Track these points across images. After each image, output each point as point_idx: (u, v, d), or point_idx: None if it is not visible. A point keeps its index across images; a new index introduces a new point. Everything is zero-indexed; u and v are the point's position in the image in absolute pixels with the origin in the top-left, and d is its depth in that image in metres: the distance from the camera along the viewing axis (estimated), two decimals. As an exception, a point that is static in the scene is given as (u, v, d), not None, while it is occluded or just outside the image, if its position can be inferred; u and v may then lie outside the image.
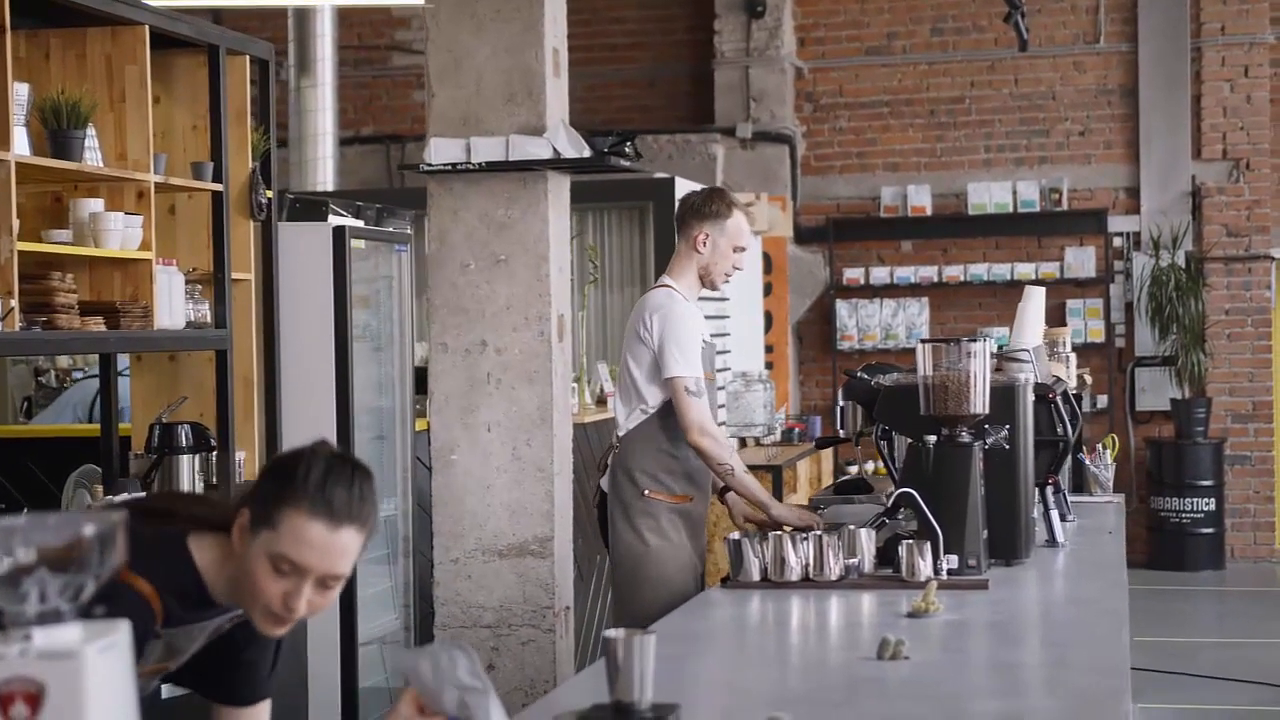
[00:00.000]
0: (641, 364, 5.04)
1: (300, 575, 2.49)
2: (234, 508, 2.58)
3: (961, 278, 12.39)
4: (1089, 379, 9.40)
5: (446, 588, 5.52)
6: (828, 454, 10.69)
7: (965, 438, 4.26)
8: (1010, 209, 12.35)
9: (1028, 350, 5.02)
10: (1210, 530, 11.91)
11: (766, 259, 12.03)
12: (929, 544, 4.08)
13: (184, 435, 5.31)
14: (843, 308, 12.56)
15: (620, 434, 5.17)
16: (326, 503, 2.48)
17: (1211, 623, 10.64)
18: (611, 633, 2.69)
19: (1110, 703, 2.79)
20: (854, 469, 10.39)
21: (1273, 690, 8.15)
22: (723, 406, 9.51)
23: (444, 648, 2.36)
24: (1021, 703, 2.94)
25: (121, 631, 1.74)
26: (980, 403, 4.25)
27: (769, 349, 12.00)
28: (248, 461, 5.75)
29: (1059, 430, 4.85)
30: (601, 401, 8.32)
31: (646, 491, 5.06)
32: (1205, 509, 11.87)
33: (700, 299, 8.24)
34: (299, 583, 2.50)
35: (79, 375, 7.98)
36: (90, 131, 4.81)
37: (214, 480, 5.50)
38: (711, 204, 5.15)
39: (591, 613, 7.44)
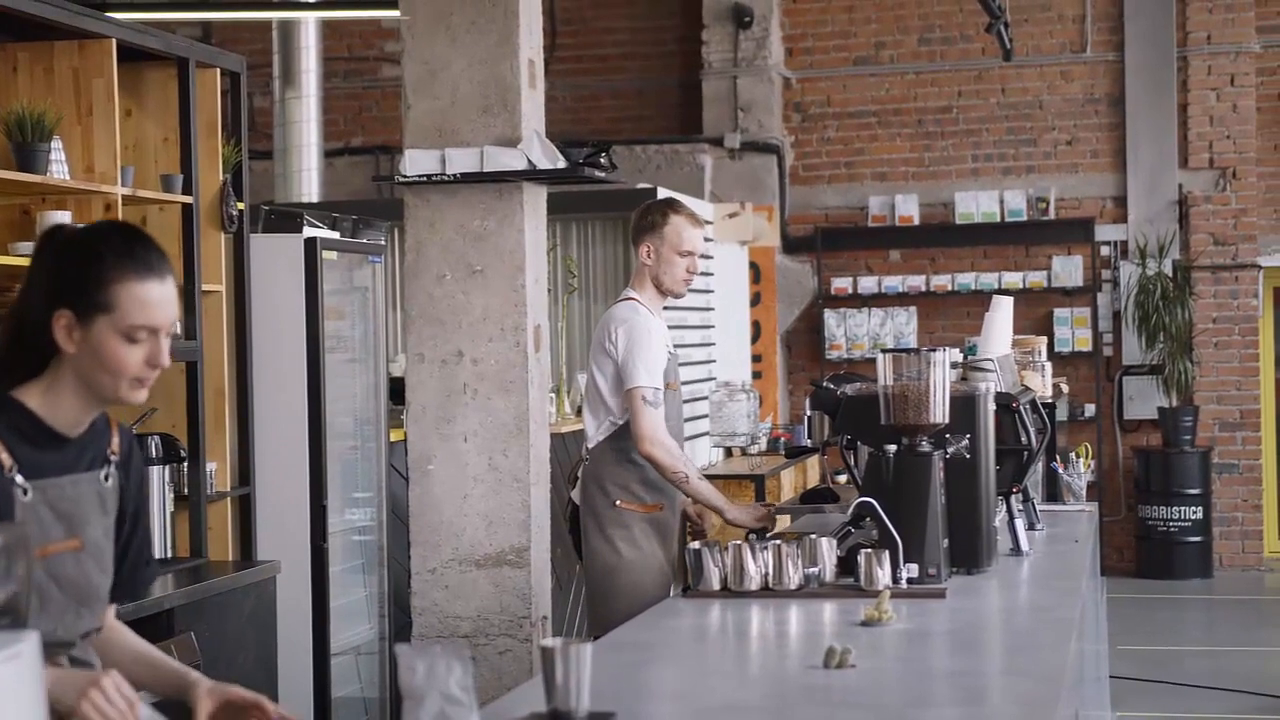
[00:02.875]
0: (607, 376, 5.15)
1: (154, 334, 2.65)
2: (39, 318, 2.64)
3: (949, 287, 12.41)
4: (1065, 388, 9.40)
5: (423, 597, 5.53)
6: (814, 463, 10.70)
7: (925, 447, 4.27)
8: (998, 218, 12.38)
9: (992, 359, 5.03)
10: (1198, 539, 11.91)
11: (755, 269, 12.05)
12: (888, 553, 4.10)
13: (154, 446, 5.32)
14: (831, 317, 12.57)
15: (590, 445, 5.23)
16: (146, 265, 2.65)
17: (1198, 631, 10.64)
18: (547, 642, 2.71)
19: (1045, 709, 2.80)
20: (843, 478, 10.39)
21: (1258, 699, 8.16)
22: (704, 417, 9.54)
23: (446, 653, 2.36)
24: (958, 710, 2.95)
25: (28, 642, 1.75)
26: (940, 412, 4.26)
27: (757, 358, 12.02)
28: (219, 473, 5.76)
29: (1023, 439, 4.86)
30: (580, 411, 8.34)
31: (618, 502, 5.12)
32: (1193, 517, 11.87)
33: (681, 308, 8.27)
34: (154, 342, 2.65)
35: None
36: (56, 144, 4.83)
37: (185, 491, 5.51)
38: (648, 216, 5.27)
39: (570, 622, 7.45)
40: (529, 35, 5.55)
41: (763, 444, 10.06)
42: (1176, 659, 9.25)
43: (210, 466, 5.67)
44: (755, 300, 12.05)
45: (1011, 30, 10.93)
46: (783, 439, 10.31)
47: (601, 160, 5.66)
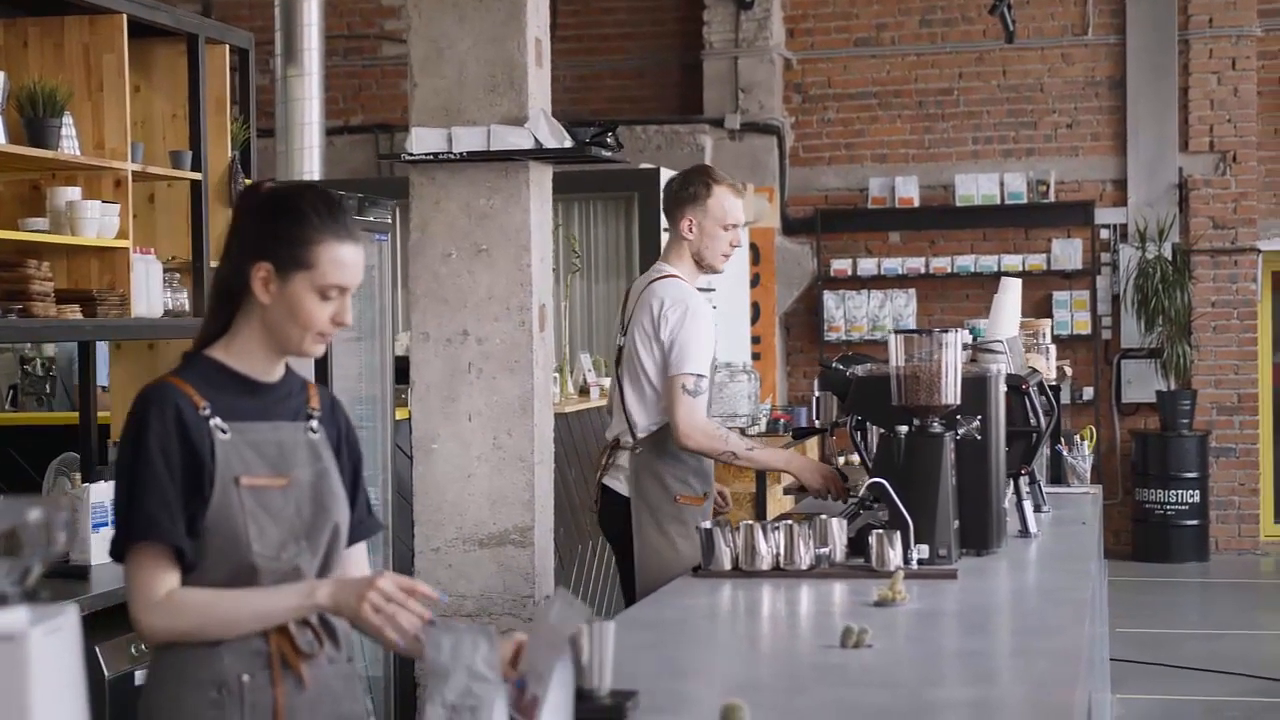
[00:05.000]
0: (655, 361, 4.93)
1: (343, 294, 2.79)
2: (238, 270, 2.77)
3: (949, 269, 12.42)
4: (1069, 371, 9.41)
5: (427, 576, 5.53)
6: (813, 445, 10.71)
7: (937, 428, 4.27)
8: (998, 201, 12.38)
9: (1002, 341, 5.03)
10: (1195, 522, 11.94)
11: (754, 250, 12.05)
12: (899, 534, 4.10)
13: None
14: (830, 299, 12.57)
15: (640, 435, 5.02)
16: (345, 228, 2.79)
17: (1195, 614, 10.67)
18: (570, 620, 2.70)
19: (1064, 689, 2.81)
20: (841, 460, 10.40)
21: (1254, 681, 8.19)
22: (706, 397, 9.53)
23: (471, 631, 2.37)
24: (977, 690, 2.96)
25: (69, 615, 1.76)
26: (952, 393, 4.26)
27: (756, 340, 12.02)
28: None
29: (1032, 421, 4.86)
30: (584, 391, 8.34)
31: (678, 497, 4.96)
32: (1190, 501, 11.90)
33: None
34: (342, 301, 2.80)
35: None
36: (67, 120, 4.82)
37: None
38: (689, 186, 5.06)
39: (573, 602, 7.45)
40: (536, 13, 5.54)
41: (763, 425, 10.07)
42: (1173, 642, 9.28)
43: (217, 443, 5.67)
44: (755, 281, 12.05)
45: (1014, 12, 10.93)
46: (782, 420, 10.32)
47: (608, 140, 5.64)
